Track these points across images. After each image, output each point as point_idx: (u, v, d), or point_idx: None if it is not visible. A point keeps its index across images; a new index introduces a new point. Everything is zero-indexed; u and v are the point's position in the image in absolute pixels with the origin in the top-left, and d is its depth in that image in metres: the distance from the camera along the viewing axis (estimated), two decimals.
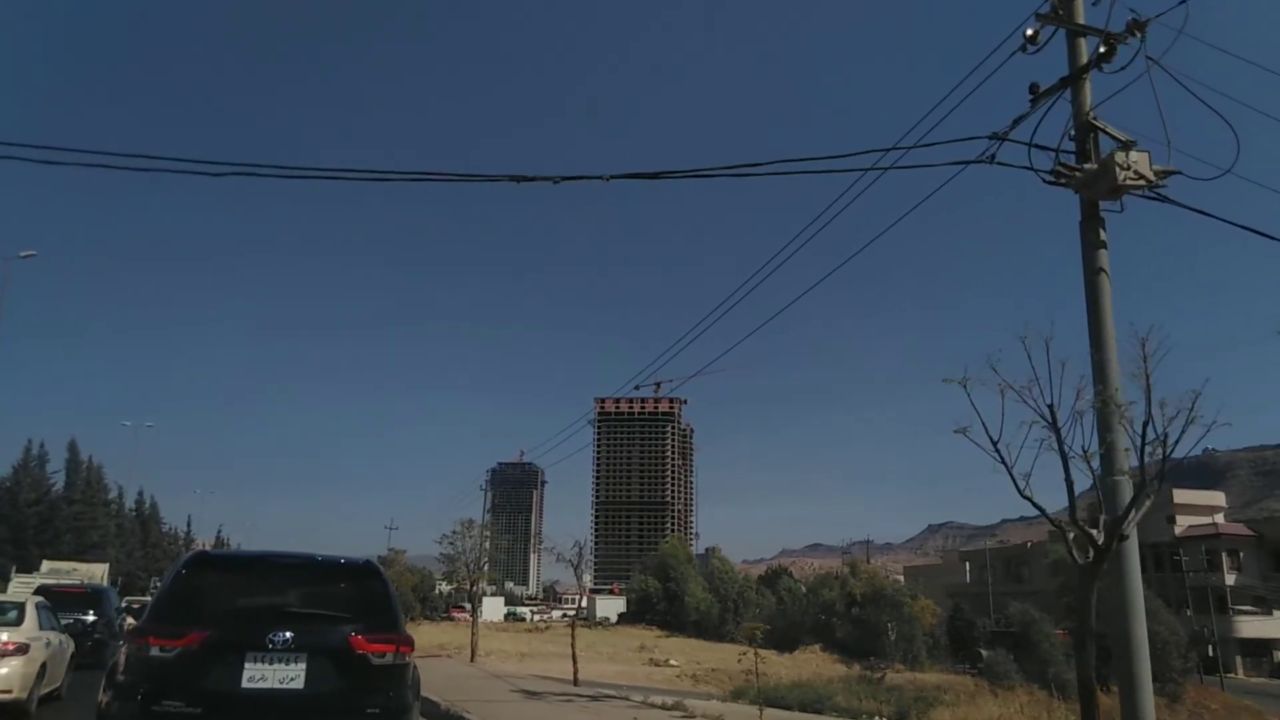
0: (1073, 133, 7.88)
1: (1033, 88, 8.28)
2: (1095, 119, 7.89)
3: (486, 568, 20.99)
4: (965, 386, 5.55)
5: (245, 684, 5.27)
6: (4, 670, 9.39)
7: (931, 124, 8.24)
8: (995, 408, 5.78)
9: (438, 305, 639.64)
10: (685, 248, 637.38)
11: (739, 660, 34.34)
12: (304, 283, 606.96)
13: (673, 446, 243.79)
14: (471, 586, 21.68)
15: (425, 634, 38.74)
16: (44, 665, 10.23)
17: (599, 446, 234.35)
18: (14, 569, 36.89)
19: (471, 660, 20.42)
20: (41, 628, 10.71)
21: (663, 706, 12.23)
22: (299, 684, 5.35)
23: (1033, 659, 35.81)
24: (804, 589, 50.23)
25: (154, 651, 5.27)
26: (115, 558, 49.52)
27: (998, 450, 5.68)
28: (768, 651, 46.16)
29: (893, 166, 8.27)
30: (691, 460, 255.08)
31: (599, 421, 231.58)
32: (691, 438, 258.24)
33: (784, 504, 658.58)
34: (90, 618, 17.59)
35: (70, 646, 12.59)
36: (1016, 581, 65.60)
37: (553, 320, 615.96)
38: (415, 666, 6.17)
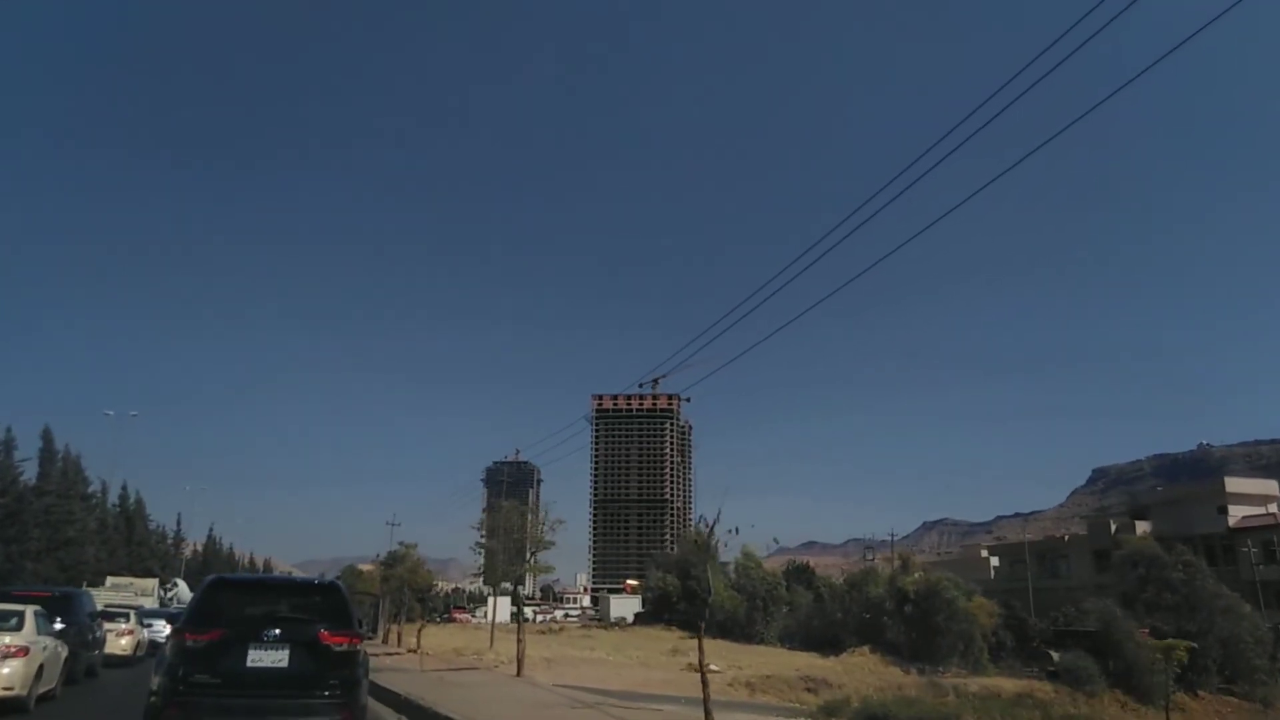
0: None
1: None
2: None
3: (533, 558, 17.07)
4: None
5: (249, 664, 7.76)
6: (6, 670, 10.74)
7: None
8: None
9: (435, 302, 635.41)
10: (687, 244, 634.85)
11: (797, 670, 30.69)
12: (300, 277, 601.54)
13: (671, 443, 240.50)
14: (515, 585, 18.00)
15: (433, 638, 33.60)
16: (41, 667, 11.55)
17: (597, 444, 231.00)
18: (84, 584, 42.38)
19: (518, 674, 16.67)
20: (39, 633, 12.01)
21: None
22: (284, 664, 7.84)
23: (1115, 662, 32.36)
24: (845, 585, 46.57)
25: (189, 643, 7.80)
26: (95, 555, 45.67)
27: None
28: (809, 654, 42.59)
29: None
30: (690, 457, 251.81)
31: (597, 418, 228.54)
32: (690, 434, 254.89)
33: (778, 501, 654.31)
34: (57, 626, 14.67)
35: (65, 652, 13.28)
36: (1053, 576, 62.14)
37: (550, 317, 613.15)
38: (366, 653, 8.62)
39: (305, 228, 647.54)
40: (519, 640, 16.59)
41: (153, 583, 42.89)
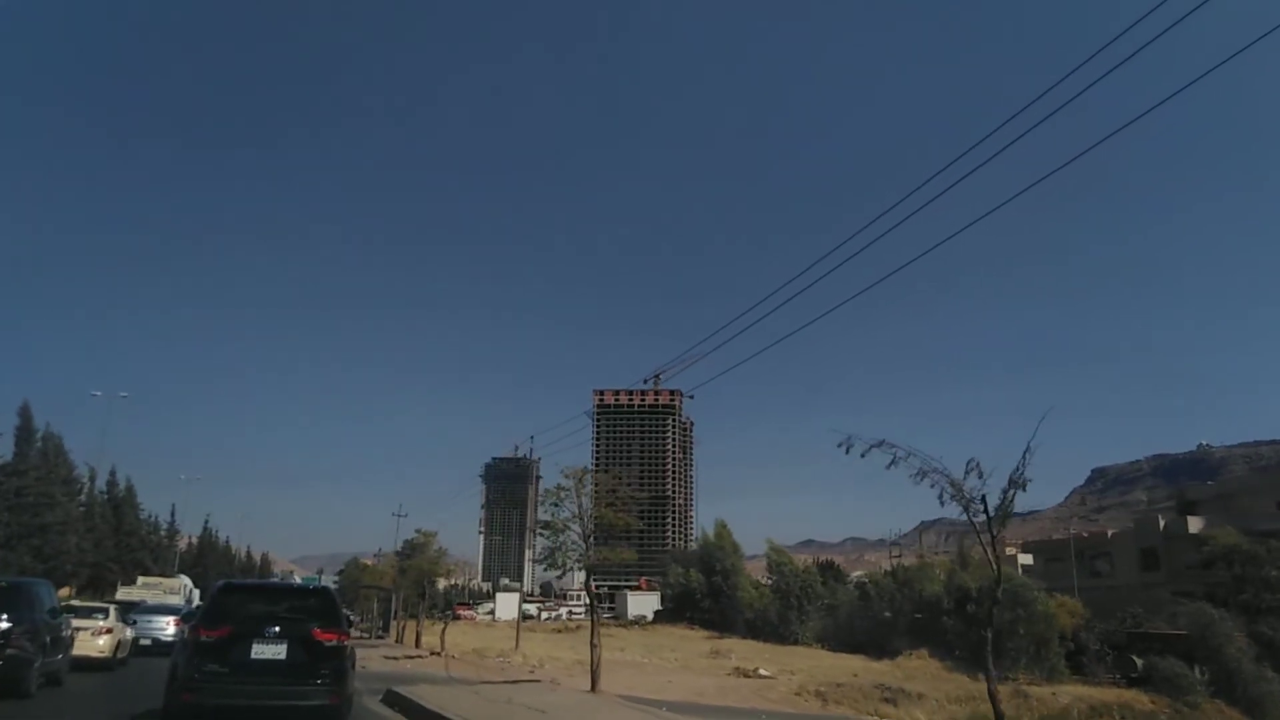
0: None
1: None
2: None
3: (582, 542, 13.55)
4: None
5: (253, 656, 9.02)
6: None
7: None
8: None
9: (435, 297, 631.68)
10: (686, 240, 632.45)
11: (855, 675, 27.18)
12: (298, 268, 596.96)
13: (673, 440, 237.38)
14: (589, 574, 14.60)
15: (448, 637, 30.00)
16: None
17: (598, 439, 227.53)
18: (118, 583, 45.34)
19: (593, 689, 13.17)
20: None
21: None
22: (283, 656, 9.10)
23: (1211, 669, 29.02)
24: (894, 583, 43.17)
25: (203, 638, 9.11)
26: (78, 545, 42.06)
27: None
28: (857, 657, 39.18)
29: None
30: (692, 454, 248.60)
31: (598, 414, 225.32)
32: (692, 431, 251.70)
33: (774, 499, 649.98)
34: (2, 624, 11.78)
35: None
36: (1093, 575, 58.95)
37: (550, 312, 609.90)
38: (353, 647, 10.23)
39: (304, 217, 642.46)
40: (593, 645, 13.06)
41: (178, 581, 46.36)
